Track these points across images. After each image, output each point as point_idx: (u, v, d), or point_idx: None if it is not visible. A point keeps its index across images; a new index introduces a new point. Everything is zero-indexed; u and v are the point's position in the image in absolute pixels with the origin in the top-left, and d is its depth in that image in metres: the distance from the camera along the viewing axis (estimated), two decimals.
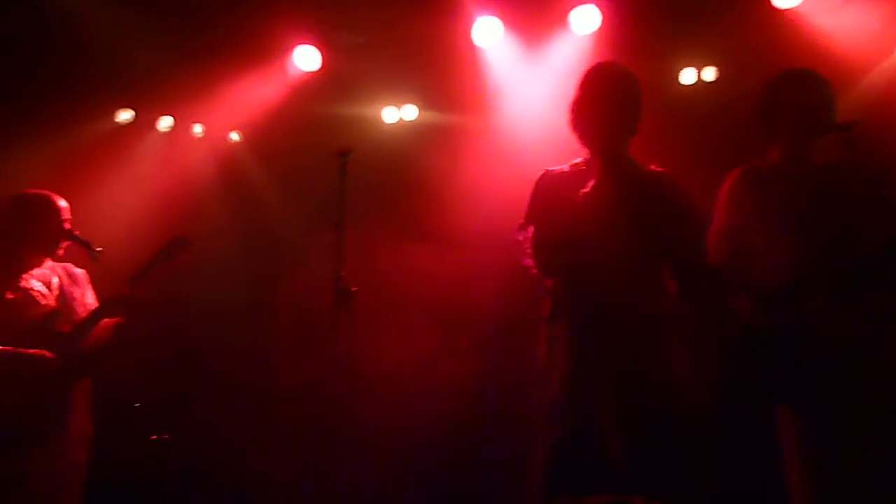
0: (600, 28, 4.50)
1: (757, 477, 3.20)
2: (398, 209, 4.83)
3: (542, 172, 2.90)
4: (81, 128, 4.99)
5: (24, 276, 3.30)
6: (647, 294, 2.69)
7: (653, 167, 2.87)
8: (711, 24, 4.51)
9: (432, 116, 5.31)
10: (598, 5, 4.48)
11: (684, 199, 2.76)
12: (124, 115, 5.22)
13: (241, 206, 5.41)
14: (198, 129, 5.55)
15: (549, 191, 2.83)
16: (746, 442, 3.28)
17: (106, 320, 3.30)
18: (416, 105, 5.36)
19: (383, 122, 5.39)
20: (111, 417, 3.59)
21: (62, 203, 3.38)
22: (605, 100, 2.74)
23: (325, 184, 4.30)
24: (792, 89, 2.86)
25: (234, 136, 5.70)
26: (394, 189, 4.95)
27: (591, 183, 2.70)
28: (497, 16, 4.58)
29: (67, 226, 3.36)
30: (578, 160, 2.88)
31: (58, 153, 4.55)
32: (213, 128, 5.55)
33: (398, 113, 5.39)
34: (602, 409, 2.58)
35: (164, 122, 5.40)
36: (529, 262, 2.79)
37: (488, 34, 4.62)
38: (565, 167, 2.89)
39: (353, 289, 2.96)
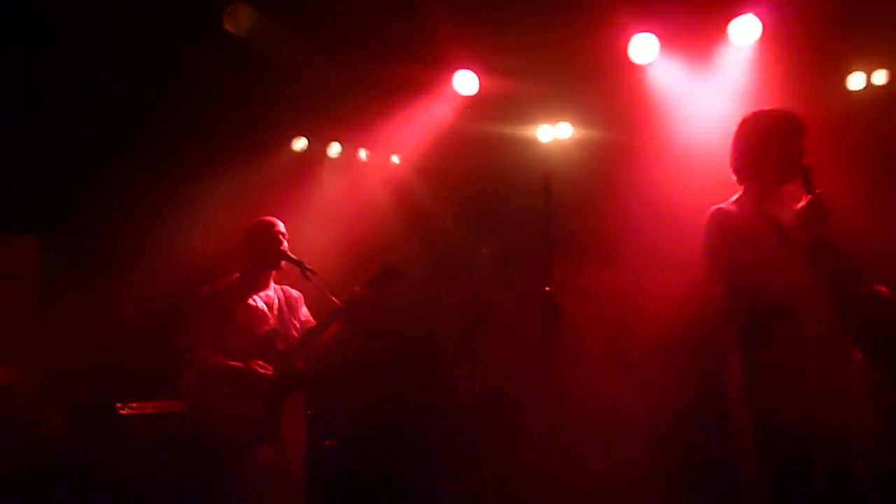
0: (762, 37, 4.44)
1: None
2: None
3: (713, 211, 2.86)
4: (266, 157, 5.36)
5: (254, 295, 3.63)
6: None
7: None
8: (882, 26, 4.40)
9: (588, 134, 5.40)
10: (757, 15, 4.43)
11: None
12: (299, 144, 5.59)
13: (417, 226, 5.63)
14: (362, 153, 5.86)
15: (733, 231, 2.80)
16: None
17: (321, 337, 3.59)
18: (571, 123, 5.46)
19: (539, 142, 5.52)
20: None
21: (281, 226, 3.68)
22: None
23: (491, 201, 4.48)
24: None
25: (395, 159, 5.98)
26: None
27: (790, 224, 2.72)
28: (653, 32, 4.60)
29: (284, 247, 3.66)
30: (735, 197, 2.90)
31: (248, 183, 4.91)
32: (378, 152, 5.83)
33: (553, 131, 5.50)
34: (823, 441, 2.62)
35: (334, 149, 5.73)
36: (726, 302, 2.79)
37: (645, 51, 4.66)
38: (726, 205, 2.88)
39: (561, 303, 3.08)
